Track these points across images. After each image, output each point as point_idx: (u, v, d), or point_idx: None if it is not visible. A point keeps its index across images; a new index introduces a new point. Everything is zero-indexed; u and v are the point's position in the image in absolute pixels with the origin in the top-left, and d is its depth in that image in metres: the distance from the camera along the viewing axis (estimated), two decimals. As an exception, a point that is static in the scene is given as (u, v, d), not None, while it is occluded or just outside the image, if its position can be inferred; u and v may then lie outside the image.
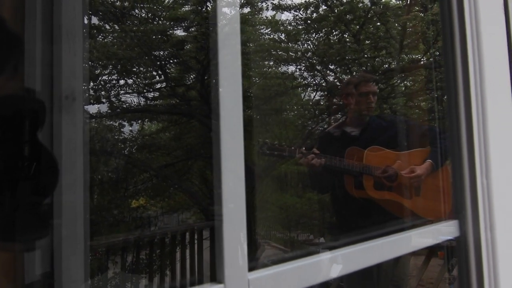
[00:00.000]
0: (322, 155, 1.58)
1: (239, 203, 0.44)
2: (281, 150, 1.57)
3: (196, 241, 3.81)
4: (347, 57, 4.43)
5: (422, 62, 4.61)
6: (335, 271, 0.58)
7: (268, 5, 4.45)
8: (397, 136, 1.78)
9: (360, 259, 0.61)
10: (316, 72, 4.83)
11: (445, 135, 1.83)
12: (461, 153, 0.78)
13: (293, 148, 1.58)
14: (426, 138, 1.79)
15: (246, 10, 4.38)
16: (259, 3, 4.33)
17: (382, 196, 1.65)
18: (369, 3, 4.19)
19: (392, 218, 1.70)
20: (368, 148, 1.67)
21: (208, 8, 4.20)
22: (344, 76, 4.80)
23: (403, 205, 1.68)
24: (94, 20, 3.85)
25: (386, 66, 4.59)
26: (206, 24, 4.16)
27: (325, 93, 5.14)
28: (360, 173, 1.63)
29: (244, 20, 4.24)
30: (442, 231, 0.76)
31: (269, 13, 4.58)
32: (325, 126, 5.36)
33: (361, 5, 4.21)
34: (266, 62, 4.81)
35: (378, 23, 4.38)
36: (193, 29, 4.30)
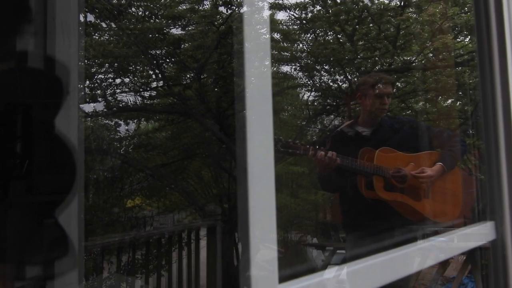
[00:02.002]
0: (336, 155, 1.57)
1: (269, 211, 0.40)
2: (295, 148, 1.53)
3: (193, 241, 3.79)
4: (346, 57, 4.43)
5: (417, 62, 4.61)
6: (369, 282, 0.54)
7: (264, 4, 4.42)
8: (408, 138, 1.78)
9: (398, 267, 0.56)
10: (311, 72, 4.82)
11: (457, 138, 1.84)
12: (498, 146, 0.73)
13: (308, 146, 1.55)
14: (437, 140, 1.80)
15: (243, 9, 4.35)
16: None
17: (392, 197, 1.65)
18: (368, 3, 4.18)
19: (404, 221, 1.70)
20: (379, 149, 1.67)
21: (205, 6, 4.18)
22: (338, 77, 4.80)
23: (412, 207, 1.67)
24: (90, 18, 3.82)
25: (379, 66, 4.59)
26: (203, 22, 4.14)
27: (320, 93, 5.13)
28: (371, 174, 1.62)
29: (241, 19, 4.22)
30: (475, 234, 0.70)
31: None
32: (324, 126, 5.36)
33: (355, 6, 4.21)
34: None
35: (371, 25, 4.39)
36: (190, 28, 4.28)
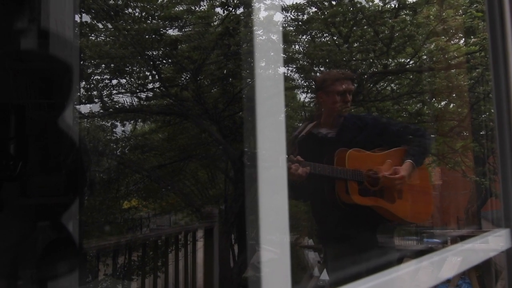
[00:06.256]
0: (307, 162, 1.49)
1: (281, 213, 0.38)
2: None
3: (190, 242, 3.78)
4: (343, 59, 4.44)
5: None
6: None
7: (260, 5, 4.44)
8: (374, 136, 1.70)
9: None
10: (308, 73, 4.83)
11: (421, 132, 1.77)
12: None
13: None
14: (404, 135, 1.74)
15: (239, 11, 4.36)
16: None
17: (367, 201, 1.58)
18: (365, 4, 4.20)
19: (382, 226, 1.65)
20: (349, 150, 1.60)
21: (202, 7, 4.18)
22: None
23: (387, 210, 1.61)
24: (87, 18, 3.80)
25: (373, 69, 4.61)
26: (200, 23, 4.14)
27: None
28: (344, 179, 1.54)
29: (238, 21, 4.22)
30: (489, 244, 0.65)
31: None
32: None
33: (351, 8, 4.22)
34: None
35: (366, 27, 4.40)
36: (187, 29, 4.27)
